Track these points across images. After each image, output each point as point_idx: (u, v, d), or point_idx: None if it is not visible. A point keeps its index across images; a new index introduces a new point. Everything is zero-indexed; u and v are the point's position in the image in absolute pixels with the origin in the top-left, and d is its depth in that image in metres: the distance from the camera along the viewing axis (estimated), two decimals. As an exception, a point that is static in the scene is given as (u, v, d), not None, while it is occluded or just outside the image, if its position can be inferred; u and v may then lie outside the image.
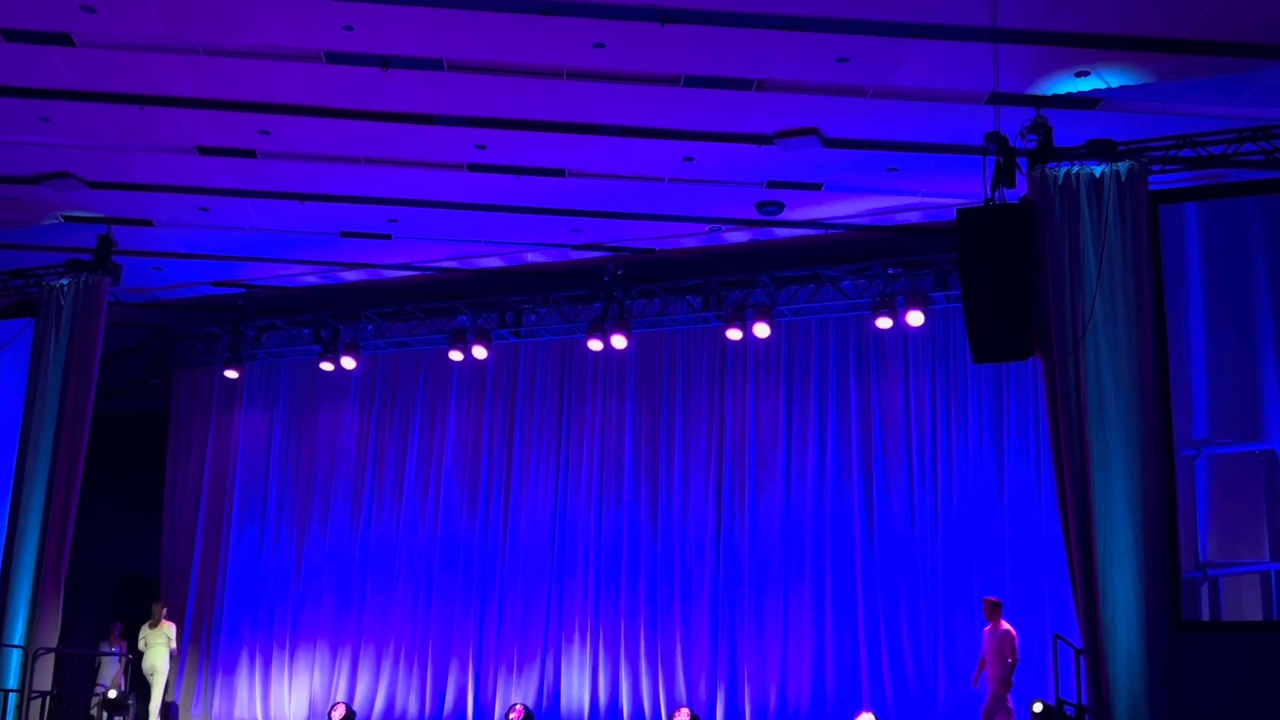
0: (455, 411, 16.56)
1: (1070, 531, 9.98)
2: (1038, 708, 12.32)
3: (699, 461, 15.26)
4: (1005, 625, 12.45)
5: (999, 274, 9.71)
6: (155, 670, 15.31)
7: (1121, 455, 9.87)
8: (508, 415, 16.33)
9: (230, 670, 16.67)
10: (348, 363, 16.26)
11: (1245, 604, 9.80)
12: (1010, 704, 12.28)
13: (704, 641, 14.73)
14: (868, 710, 13.67)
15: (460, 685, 15.66)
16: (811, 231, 13.85)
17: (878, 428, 14.52)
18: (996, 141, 9.81)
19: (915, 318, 13.91)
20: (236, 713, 16.45)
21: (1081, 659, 10.19)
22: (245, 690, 16.55)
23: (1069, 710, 10.81)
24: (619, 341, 14.94)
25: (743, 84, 10.60)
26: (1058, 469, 10.18)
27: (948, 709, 13.54)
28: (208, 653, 16.78)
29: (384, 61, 10.34)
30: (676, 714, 14.28)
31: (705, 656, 14.70)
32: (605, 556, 15.40)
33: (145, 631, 15.47)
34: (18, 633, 13.25)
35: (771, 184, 12.66)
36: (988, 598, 12.69)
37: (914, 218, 13.35)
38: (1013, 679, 12.30)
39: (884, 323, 14.07)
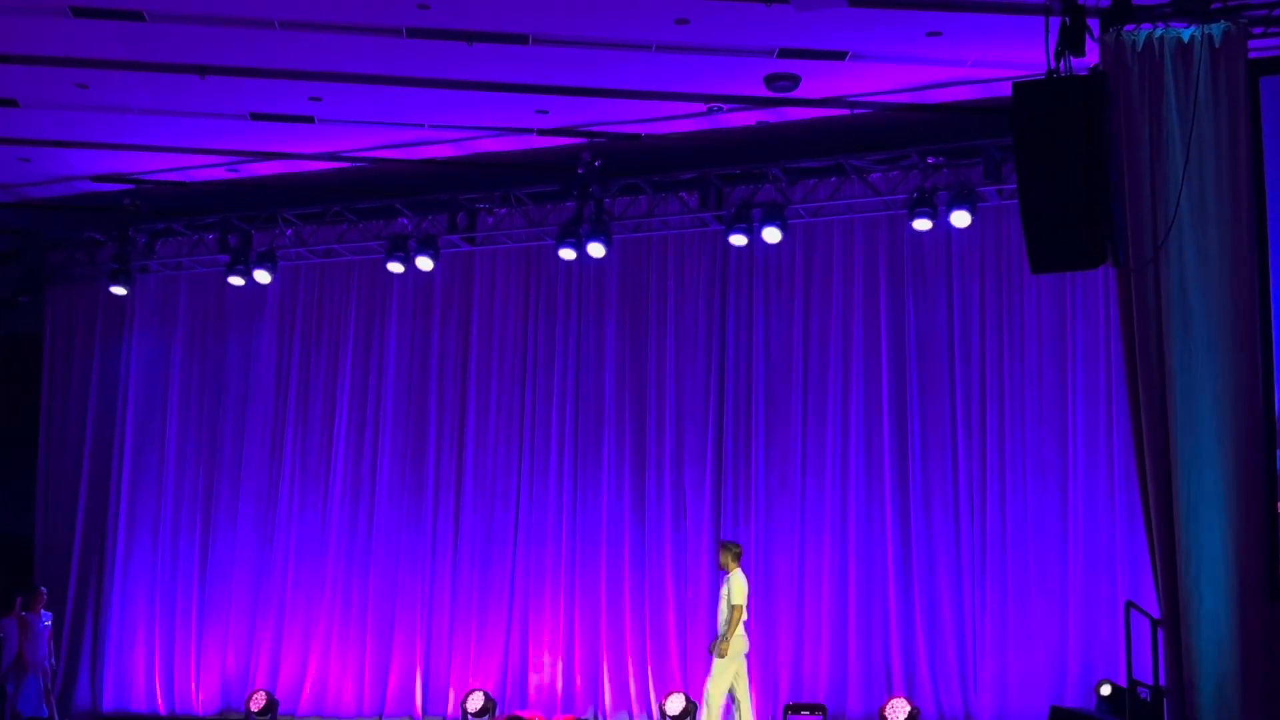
0: (396, 337, 16.59)
1: (1147, 477, 10.05)
2: (1105, 690, 12.52)
3: (695, 398, 15.33)
4: (737, 576, 12.69)
5: (1063, 163, 9.69)
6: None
7: (1210, 385, 9.90)
8: (460, 342, 16.35)
9: (124, 654, 16.81)
10: (262, 276, 16.24)
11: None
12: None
13: (701, 613, 14.87)
14: (899, 696, 13.89)
15: (406, 668, 15.83)
16: (833, 112, 13.80)
17: (914, 354, 14.60)
18: (1062, -3, 9.74)
19: (960, 218, 13.93)
20: (133, 705, 16.61)
21: (1159, 631, 10.32)
22: (143, 677, 16.70)
23: (1143, 693, 10.98)
24: (596, 249, 14.94)
25: (748, -74, 10.53)
26: (1132, 401, 10.23)
27: (1014, 697, 13.75)
28: (96, 633, 16.92)
29: (302, -101, 10.22)
30: (669, 699, 14.49)
31: (703, 631, 14.85)
32: (580, 514, 15.51)
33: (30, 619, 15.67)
34: None
35: (784, 53, 12.59)
36: (723, 539, 13.27)
37: (960, 94, 13.30)
38: (739, 653, 12.47)
39: (922, 224, 14.09)
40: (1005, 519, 14.04)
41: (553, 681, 15.26)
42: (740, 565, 12.76)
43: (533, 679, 15.33)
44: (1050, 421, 14.07)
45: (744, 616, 12.56)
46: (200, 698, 16.47)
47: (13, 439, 18.02)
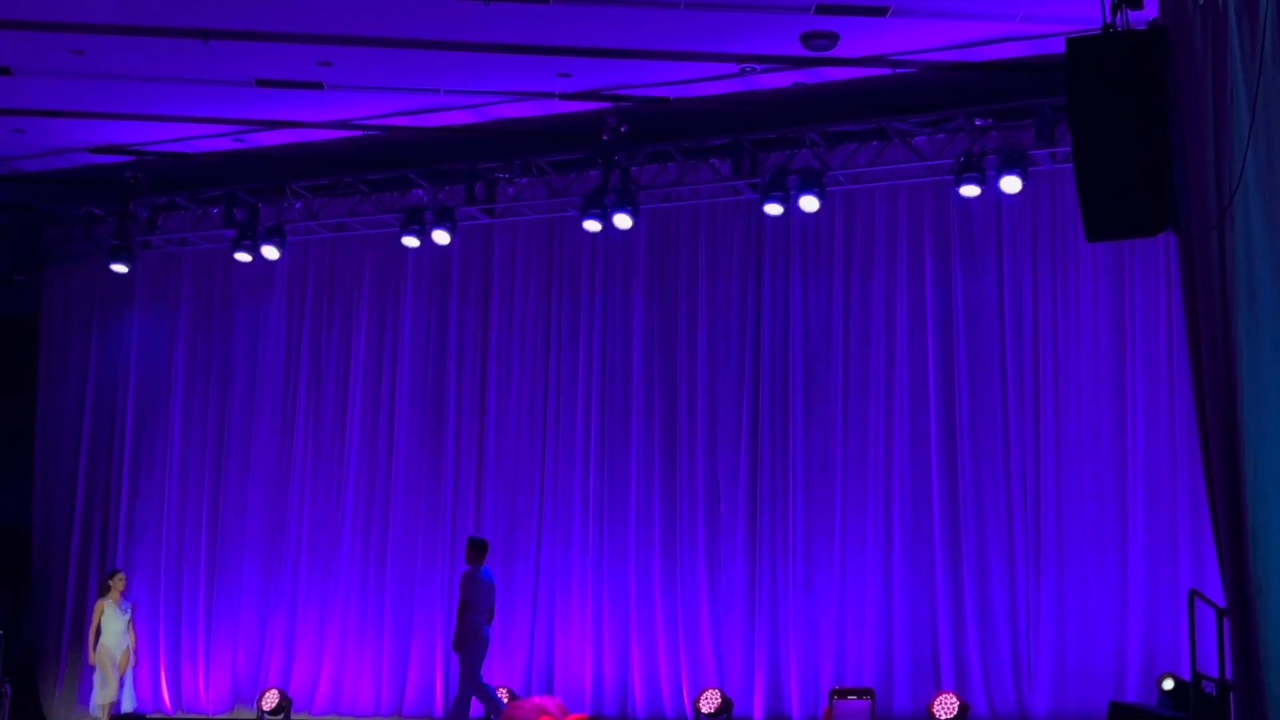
0: (412, 315, 16.63)
1: (1212, 457, 10.03)
2: (1168, 684, 12.50)
3: (728, 375, 15.35)
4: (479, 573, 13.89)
5: (1121, 124, 9.67)
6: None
7: (1279, 357, 9.89)
8: (479, 319, 16.39)
9: (128, 651, 16.94)
10: (270, 252, 16.29)
11: None
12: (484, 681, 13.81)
13: (737, 607, 14.93)
14: (948, 690, 13.91)
15: (426, 665, 15.91)
16: (874, 72, 13.78)
17: (962, 327, 14.58)
18: (1118, -53, 9.70)
19: (1011, 183, 13.89)
20: (137, 705, 16.71)
21: (1225, 621, 10.32)
22: (149, 676, 16.78)
23: (1208, 687, 10.97)
24: (623, 221, 14.94)
25: (783, -126, 10.51)
26: (1195, 377, 10.22)
27: (1071, 692, 13.75)
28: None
29: None
30: (703, 696, 14.54)
31: (739, 626, 14.91)
32: (608, 500, 15.55)
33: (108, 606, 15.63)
34: None
35: (821, 9, 12.56)
36: (472, 535, 14.36)
37: (1009, 51, 13.26)
38: (476, 653, 13.61)
39: (970, 190, 14.06)
40: (1060, 502, 14.03)
41: (580, 678, 15.30)
42: (484, 562, 13.99)
43: (559, 676, 15.38)
44: (1108, 399, 14.04)
45: (473, 614, 13.64)
46: (209, 697, 16.58)
47: (8, 426, 18.13)
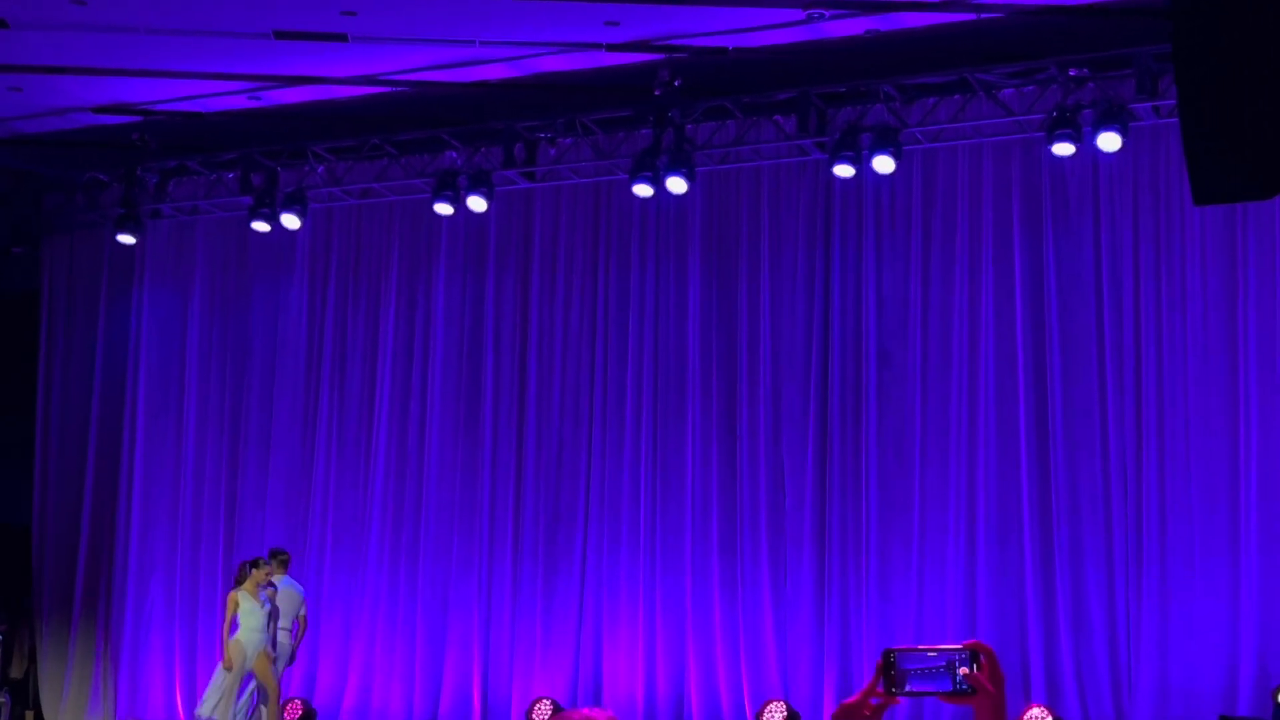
0: (445, 289, 16.67)
1: (1336, 447, 9.91)
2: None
3: (794, 355, 15.30)
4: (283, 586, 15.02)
5: (1231, 72, 9.49)
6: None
7: None
8: (519, 294, 16.41)
9: (140, 657, 17.10)
10: (290, 221, 16.34)
11: None
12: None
13: (804, 613, 14.90)
14: (1039, 704, 13.81)
15: (462, 673, 15.96)
16: (956, 17, 13.67)
17: (1054, 302, 14.46)
18: (1231, -127, 9.52)
19: (1109, 141, 13.75)
20: (149, 714, 16.84)
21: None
22: (161, 684, 16.95)
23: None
24: (677, 184, 14.88)
25: None
26: (1318, 357, 10.08)
27: (1176, 706, 13.61)
28: (108, 634, 17.20)
29: None
30: (767, 710, 14.49)
31: (806, 634, 14.88)
32: (661, 494, 15.56)
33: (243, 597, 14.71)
34: None
35: (897, -52, 12.49)
36: (273, 547, 15.45)
37: (1107, -7, 13.16)
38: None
39: (1063, 149, 13.92)
40: (1165, 497, 13.90)
41: (631, 689, 15.29)
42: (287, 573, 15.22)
43: (608, 687, 15.37)
44: (1217, 382, 13.88)
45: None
46: (226, 708, 16.69)
47: (7, 412, 18.24)
